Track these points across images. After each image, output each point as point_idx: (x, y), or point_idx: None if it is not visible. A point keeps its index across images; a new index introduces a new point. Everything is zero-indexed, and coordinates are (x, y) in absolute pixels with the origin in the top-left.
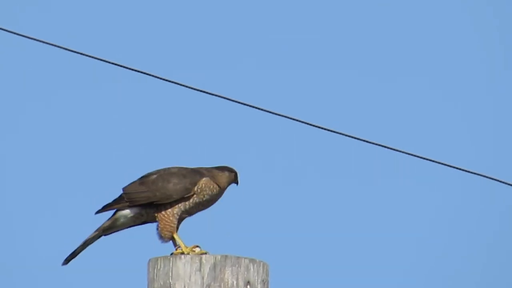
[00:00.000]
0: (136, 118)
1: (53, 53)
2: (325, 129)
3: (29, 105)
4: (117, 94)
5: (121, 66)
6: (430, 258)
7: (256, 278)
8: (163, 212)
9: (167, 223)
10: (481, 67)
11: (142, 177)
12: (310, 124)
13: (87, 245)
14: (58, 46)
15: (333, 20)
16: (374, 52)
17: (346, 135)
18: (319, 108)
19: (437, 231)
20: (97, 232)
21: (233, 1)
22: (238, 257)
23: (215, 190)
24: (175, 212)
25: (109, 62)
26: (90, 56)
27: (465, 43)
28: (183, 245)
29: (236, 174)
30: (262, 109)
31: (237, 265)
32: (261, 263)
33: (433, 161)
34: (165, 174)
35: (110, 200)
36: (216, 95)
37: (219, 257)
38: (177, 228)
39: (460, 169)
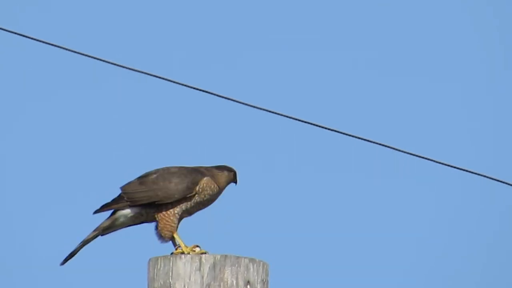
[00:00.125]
0: (136, 118)
1: (53, 53)
2: (325, 128)
3: (29, 105)
4: (117, 94)
5: (121, 66)
6: (430, 258)
7: (256, 277)
8: (163, 212)
9: (167, 223)
10: (481, 67)
11: (141, 177)
12: (311, 124)
13: (85, 244)
14: (58, 46)
15: (333, 20)
16: (374, 51)
17: (346, 135)
18: (319, 107)
19: (437, 231)
20: (96, 232)
21: (233, 1)
22: (238, 257)
23: (215, 190)
24: (176, 211)
25: (109, 62)
26: (90, 56)
27: (465, 43)
28: (183, 244)
29: (235, 173)
30: (262, 109)
31: (236, 265)
32: (261, 263)
33: (433, 161)
34: (165, 173)
35: (109, 200)
36: (216, 95)
37: (219, 256)
38: (177, 227)
39: (460, 169)
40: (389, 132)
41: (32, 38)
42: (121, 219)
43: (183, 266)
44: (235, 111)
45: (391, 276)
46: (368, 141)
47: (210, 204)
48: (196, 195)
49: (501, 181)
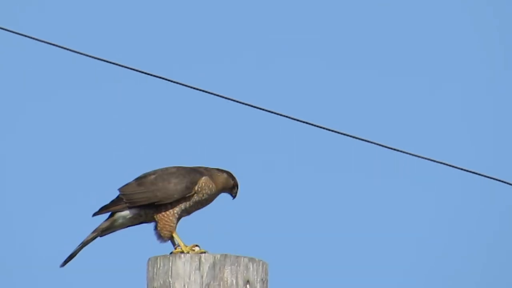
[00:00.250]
0: (135, 118)
1: (53, 53)
2: (325, 128)
3: (29, 105)
4: (117, 94)
5: (121, 65)
6: (430, 258)
7: (256, 277)
8: (162, 212)
9: (166, 223)
10: (481, 67)
11: (139, 178)
12: (311, 124)
13: (84, 246)
14: (58, 46)
15: (333, 20)
16: (375, 52)
17: (346, 135)
18: (319, 107)
19: (437, 231)
20: (95, 233)
21: (233, 1)
22: (237, 256)
23: (213, 190)
24: (175, 211)
25: (109, 62)
26: (90, 56)
27: (465, 43)
28: (182, 244)
29: (235, 181)
30: (262, 109)
31: (236, 264)
32: (261, 262)
33: (433, 161)
34: (164, 174)
35: (107, 202)
36: (216, 95)
37: (219, 256)
38: (175, 227)
39: (460, 169)
40: (389, 132)
41: (32, 38)
42: (120, 220)
43: (183, 265)
44: (235, 111)
45: (391, 276)
46: (368, 141)
47: (208, 204)
48: (195, 195)
49: (501, 181)
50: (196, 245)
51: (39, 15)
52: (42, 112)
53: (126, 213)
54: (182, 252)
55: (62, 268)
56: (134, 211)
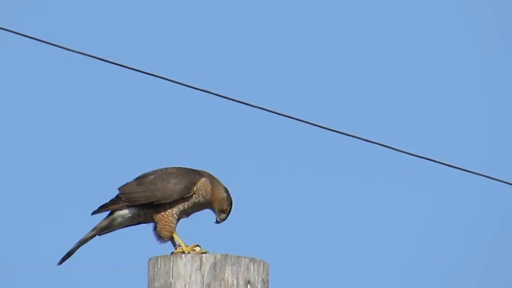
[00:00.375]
0: (136, 118)
1: (53, 53)
2: (325, 128)
3: (29, 105)
4: (117, 94)
5: (121, 65)
6: (430, 258)
7: (256, 277)
8: (162, 213)
9: (166, 223)
10: (481, 67)
11: (138, 177)
12: (311, 124)
13: (82, 244)
14: (58, 46)
15: (333, 20)
16: (375, 52)
17: (346, 135)
18: (319, 107)
19: (437, 231)
20: (93, 232)
21: (233, 1)
22: (238, 257)
23: (207, 196)
24: (174, 212)
25: (109, 62)
26: (90, 56)
27: (465, 43)
28: (183, 244)
29: (229, 209)
30: (262, 109)
31: (237, 265)
32: (261, 263)
33: (433, 161)
34: (163, 174)
35: (107, 201)
36: (216, 95)
37: (219, 256)
38: (175, 228)
39: (460, 169)
40: (389, 132)
41: (32, 38)
42: (119, 219)
43: (184, 265)
44: (235, 111)
45: (391, 276)
46: (368, 141)
47: (205, 208)
48: (194, 195)
49: (501, 181)
50: (197, 245)
51: (39, 15)
52: (42, 112)
53: (125, 212)
54: (183, 252)
55: (63, 267)
56: (133, 210)
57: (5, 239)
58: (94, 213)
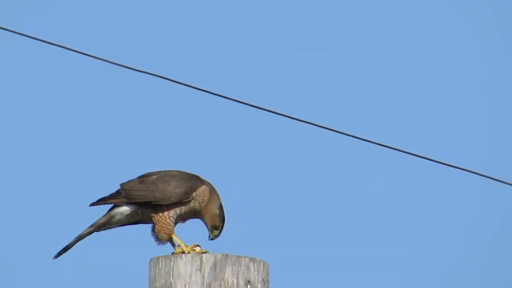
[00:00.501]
0: (136, 118)
1: (53, 52)
2: (326, 128)
3: (29, 105)
4: (117, 94)
5: (121, 65)
6: (430, 258)
7: (257, 277)
8: (160, 214)
9: (164, 225)
10: (481, 67)
11: (141, 176)
12: (311, 124)
13: (80, 240)
14: (59, 46)
15: (333, 20)
16: (375, 52)
17: (347, 135)
18: (319, 107)
19: (437, 231)
20: (91, 228)
21: (233, 1)
22: (238, 256)
23: (203, 204)
24: (171, 214)
25: (109, 62)
26: (90, 56)
27: (465, 43)
28: (183, 244)
29: (220, 225)
30: (262, 109)
31: (237, 264)
32: (262, 262)
33: (433, 161)
34: (166, 176)
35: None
36: (216, 95)
37: (220, 256)
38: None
39: (460, 169)
40: (389, 132)
41: (32, 38)
42: (118, 217)
43: (184, 265)
44: (235, 111)
45: (391, 276)
46: (368, 141)
47: (199, 217)
48: (192, 201)
49: (501, 181)
50: (197, 245)
51: (39, 15)
52: (42, 112)
53: (124, 209)
54: (183, 252)
55: (64, 268)
56: (131, 208)
57: (5, 239)
58: (92, 204)
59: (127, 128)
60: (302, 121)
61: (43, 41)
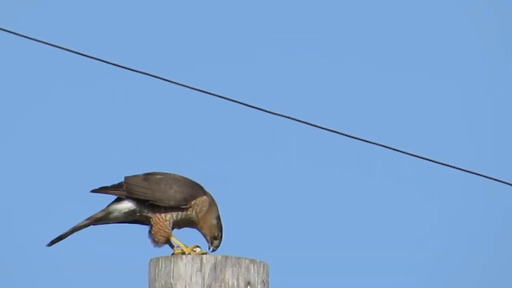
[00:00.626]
0: (136, 118)
1: (53, 53)
2: (326, 129)
3: (29, 105)
4: (117, 94)
5: (121, 66)
6: (430, 258)
7: (257, 278)
8: (157, 215)
9: (161, 228)
10: (481, 67)
11: (147, 174)
12: (311, 124)
13: (75, 231)
14: (58, 46)
15: (332, 20)
16: (375, 52)
17: (347, 135)
18: (319, 107)
19: (437, 231)
20: (88, 221)
21: (233, 1)
22: (238, 258)
23: (200, 214)
24: (167, 218)
25: (109, 63)
26: (90, 57)
27: (465, 43)
28: (182, 245)
29: (219, 235)
30: (262, 109)
31: (237, 266)
32: (262, 264)
33: (433, 161)
34: (170, 178)
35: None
36: (216, 95)
37: (220, 257)
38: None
39: (460, 169)
40: (389, 132)
41: (32, 38)
42: (115, 213)
43: (184, 266)
44: (235, 111)
45: (391, 276)
46: (368, 141)
47: (194, 227)
48: (190, 209)
49: (501, 181)
50: (197, 246)
51: (39, 15)
52: (42, 113)
53: (122, 207)
54: (183, 253)
55: (64, 267)
56: (130, 206)
57: (5, 239)
58: (93, 191)
59: (127, 129)
60: (302, 121)
61: (43, 41)
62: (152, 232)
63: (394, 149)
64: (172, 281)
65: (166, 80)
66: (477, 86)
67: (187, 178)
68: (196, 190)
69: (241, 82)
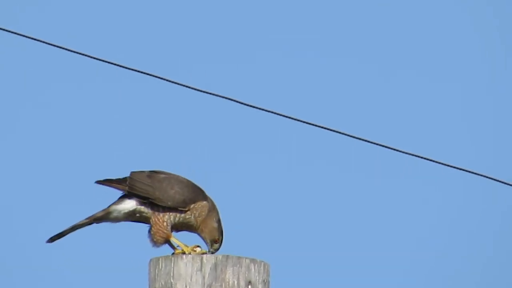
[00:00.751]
0: (136, 118)
1: (53, 53)
2: (326, 128)
3: (29, 105)
4: (117, 94)
5: (121, 66)
6: (430, 258)
7: (257, 278)
8: (156, 215)
9: (160, 229)
10: (481, 67)
11: (152, 171)
12: (311, 124)
13: (76, 229)
14: (58, 46)
15: (332, 20)
16: (375, 52)
17: (347, 135)
18: (319, 107)
19: (438, 231)
20: (88, 220)
21: (233, 1)
22: (239, 257)
23: (199, 220)
24: (165, 218)
25: (109, 62)
26: (90, 56)
27: (465, 43)
28: (183, 245)
29: (220, 239)
30: (262, 109)
31: (238, 265)
32: (262, 263)
33: (433, 161)
34: (173, 179)
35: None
36: (216, 95)
37: (220, 257)
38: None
39: (460, 169)
40: (389, 132)
41: (32, 38)
42: (115, 214)
43: (184, 266)
44: (235, 111)
45: (391, 276)
46: (368, 141)
47: (193, 231)
48: (188, 212)
49: (501, 181)
50: (198, 246)
51: (39, 15)
52: (42, 112)
53: (122, 207)
54: (183, 252)
55: (64, 268)
56: (130, 205)
57: (5, 239)
58: (97, 182)
59: (127, 129)
60: (302, 121)
61: (43, 41)
62: (151, 232)
63: (394, 149)
64: (172, 280)
65: (166, 80)
66: (477, 86)
67: (190, 182)
68: (197, 194)
69: (241, 82)
